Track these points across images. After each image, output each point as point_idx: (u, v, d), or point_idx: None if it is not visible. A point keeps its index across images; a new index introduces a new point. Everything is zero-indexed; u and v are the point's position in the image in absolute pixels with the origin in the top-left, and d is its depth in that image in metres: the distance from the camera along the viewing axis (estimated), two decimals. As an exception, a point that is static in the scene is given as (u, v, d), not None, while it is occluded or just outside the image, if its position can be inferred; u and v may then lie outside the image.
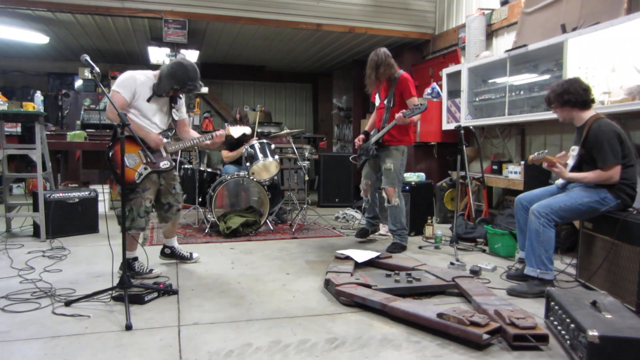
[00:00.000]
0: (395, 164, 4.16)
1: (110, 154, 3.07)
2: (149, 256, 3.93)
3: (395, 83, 4.18)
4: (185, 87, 3.19)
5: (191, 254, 3.77)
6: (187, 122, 3.58)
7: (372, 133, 4.44)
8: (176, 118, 3.42)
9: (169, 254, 3.75)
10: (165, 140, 3.33)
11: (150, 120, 3.25)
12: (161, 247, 3.80)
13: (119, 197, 3.03)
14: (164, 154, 3.34)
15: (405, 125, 4.20)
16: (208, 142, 3.46)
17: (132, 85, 3.14)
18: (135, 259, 3.36)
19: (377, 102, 4.36)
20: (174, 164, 3.45)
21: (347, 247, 4.27)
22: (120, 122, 2.72)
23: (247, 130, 3.63)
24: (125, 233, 2.85)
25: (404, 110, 4.00)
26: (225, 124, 3.62)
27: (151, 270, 3.38)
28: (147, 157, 3.10)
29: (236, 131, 3.57)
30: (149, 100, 3.21)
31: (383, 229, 5.03)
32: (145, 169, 3.20)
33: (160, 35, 6.70)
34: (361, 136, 4.48)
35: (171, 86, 3.18)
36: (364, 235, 4.60)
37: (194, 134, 3.57)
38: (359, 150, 4.47)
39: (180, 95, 3.41)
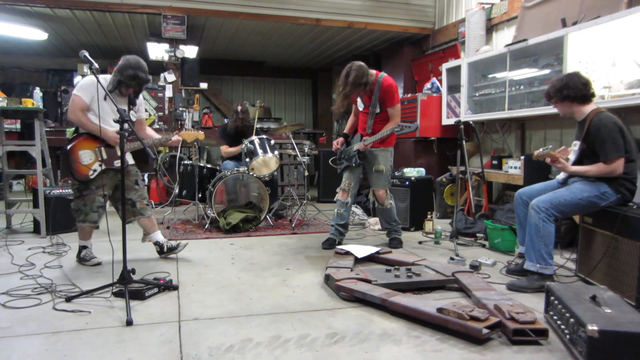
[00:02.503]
0: (386, 166, 4.11)
1: (68, 147, 3.33)
2: (149, 253, 3.94)
3: (379, 89, 3.95)
4: (124, 76, 3.29)
5: (179, 243, 3.78)
6: (144, 121, 3.77)
7: (353, 138, 4.25)
8: (134, 119, 3.58)
9: (159, 250, 3.76)
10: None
11: (107, 120, 3.40)
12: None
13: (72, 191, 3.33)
14: (119, 152, 3.43)
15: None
16: (162, 144, 3.69)
17: (92, 88, 3.33)
18: (85, 247, 3.60)
19: (361, 106, 4.15)
20: (128, 162, 3.60)
21: (346, 242, 4.27)
22: (121, 118, 2.75)
23: (200, 135, 3.81)
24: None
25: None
26: (182, 129, 3.75)
27: (92, 259, 3.56)
28: (102, 155, 3.38)
29: (189, 135, 3.71)
30: (105, 99, 3.36)
31: (377, 225, 5.04)
32: (100, 165, 3.41)
33: (159, 31, 6.69)
34: (340, 139, 4.28)
35: (117, 78, 3.31)
36: (332, 246, 4.13)
37: (151, 133, 3.75)
38: (338, 153, 4.30)
39: (133, 95, 3.51)
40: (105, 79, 3.38)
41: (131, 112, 3.52)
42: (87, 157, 3.36)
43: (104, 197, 3.50)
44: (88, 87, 3.34)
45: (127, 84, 3.31)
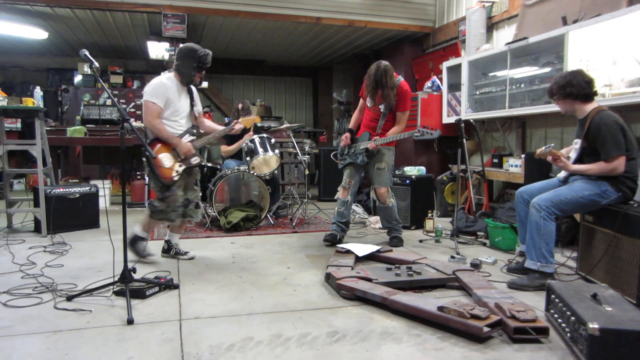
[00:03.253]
0: (388, 164, 4.14)
1: (149, 155, 3.19)
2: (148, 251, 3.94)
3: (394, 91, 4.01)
4: (202, 60, 3.35)
5: (187, 252, 3.77)
6: (202, 113, 3.74)
7: (360, 136, 4.21)
8: (196, 114, 3.60)
9: (166, 249, 3.76)
10: (191, 137, 3.49)
11: (179, 122, 3.43)
12: (161, 242, 3.81)
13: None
14: (193, 150, 3.48)
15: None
16: (225, 134, 3.68)
17: (164, 92, 3.31)
18: (143, 239, 3.53)
19: (370, 103, 4.16)
20: (202, 158, 3.59)
21: (347, 241, 4.27)
22: (122, 117, 2.74)
23: (257, 119, 3.83)
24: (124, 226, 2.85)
25: (413, 133, 3.92)
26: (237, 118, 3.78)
27: (149, 255, 3.52)
28: (179, 155, 3.38)
29: (248, 121, 3.72)
30: (179, 97, 3.41)
31: (378, 224, 5.04)
32: (180, 166, 3.40)
33: (159, 29, 6.68)
34: (347, 134, 4.26)
35: (191, 66, 3.35)
36: (333, 239, 4.19)
37: (213, 125, 3.76)
38: (343, 149, 4.29)
39: (193, 88, 3.58)
40: (170, 78, 3.39)
41: (194, 107, 3.55)
42: (167, 160, 3.34)
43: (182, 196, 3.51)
44: (161, 90, 3.31)
45: (201, 67, 3.37)
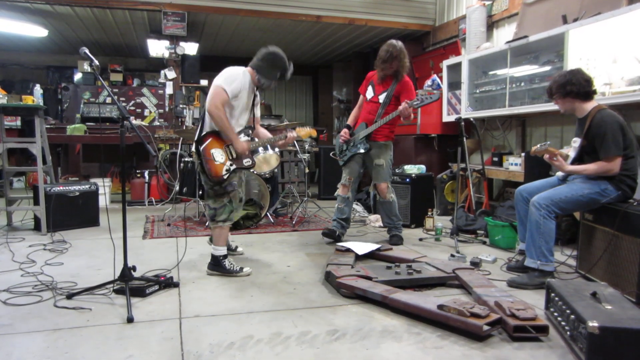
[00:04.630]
0: (386, 160, 4.15)
1: (201, 148, 3.14)
2: (150, 250, 3.95)
3: (397, 82, 4.05)
4: (285, 73, 3.31)
5: (237, 247, 3.86)
6: (259, 119, 3.58)
7: (357, 129, 4.21)
8: (256, 115, 3.48)
9: (233, 248, 3.81)
10: (246, 137, 3.33)
11: (237, 118, 3.26)
12: (161, 240, 3.80)
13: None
14: (247, 150, 3.33)
15: (395, 122, 4.11)
16: (280, 142, 3.50)
17: (239, 84, 3.16)
18: (225, 256, 3.30)
19: (370, 94, 4.17)
20: (255, 161, 3.44)
21: (347, 239, 4.28)
22: (122, 115, 2.73)
23: (313, 132, 3.63)
24: (125, 227, 2.84)
25: (408, 102, 3.83)
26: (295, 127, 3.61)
27: (243, 268, 3.30)
28: (232, 153, 3.23)
29: (305, 133, 3.57)
30: (247, 95, 3.27)
31: (378, 222, 5.04)
32: (231, 165, 3.23)
33: (159, 27, 6.68)
34: (345, 130, 4.27)
35: (275, 76, 3.29)
36: (332, 234, 4.20)
37: (266, 132, 3.61)
38: (342, 145, 4.29)
39: (258, 92, 3.44)
40: (245, 73, 3.23)
41: (255, 107, 3.42)
42: (219, 156, 3.18)
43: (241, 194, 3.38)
44: (236, 80, 3.14)
45: (281, 78, 3.31)
